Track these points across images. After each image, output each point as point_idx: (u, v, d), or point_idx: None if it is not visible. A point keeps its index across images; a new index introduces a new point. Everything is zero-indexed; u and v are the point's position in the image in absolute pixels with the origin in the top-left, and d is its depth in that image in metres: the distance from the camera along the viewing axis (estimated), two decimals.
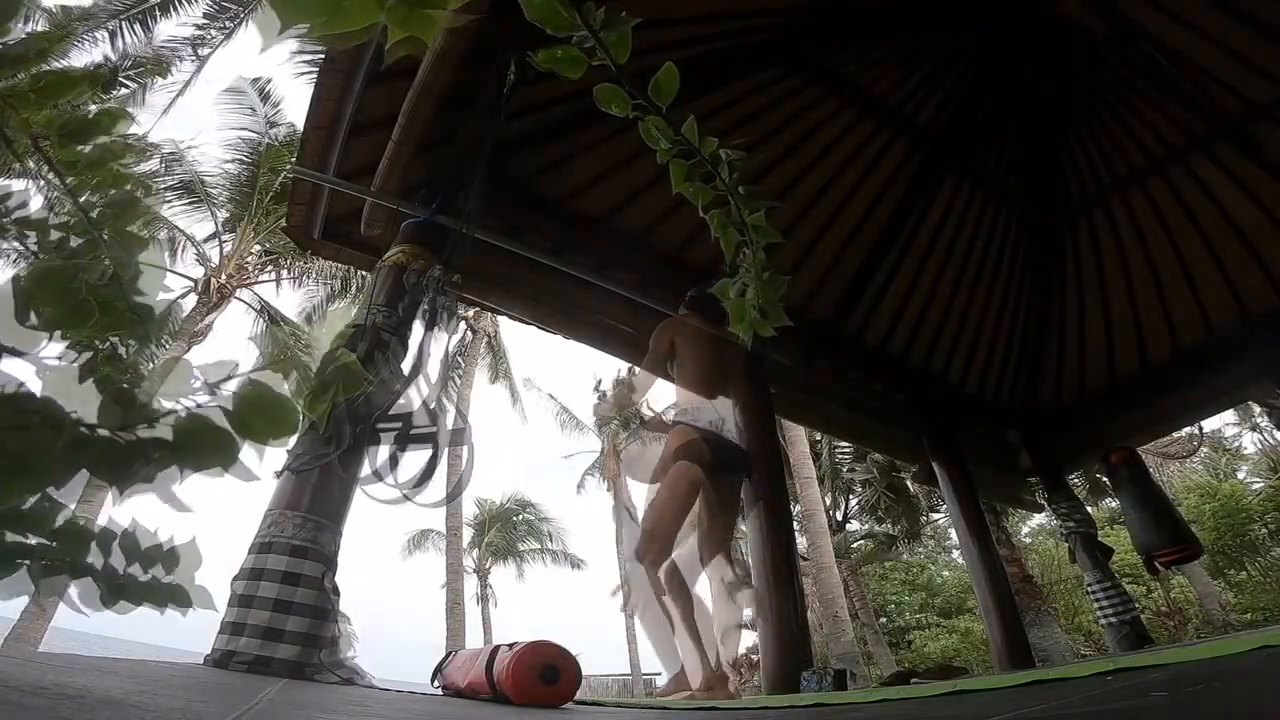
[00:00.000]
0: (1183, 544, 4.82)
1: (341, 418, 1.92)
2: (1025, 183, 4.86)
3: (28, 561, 0.48)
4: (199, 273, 11.84)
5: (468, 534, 20.68)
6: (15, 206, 0.61)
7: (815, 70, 4.02)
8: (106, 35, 9.72)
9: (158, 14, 9.85)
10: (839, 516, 15.03)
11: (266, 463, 0.52)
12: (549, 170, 3.71)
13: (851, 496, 15.12)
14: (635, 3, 0.78)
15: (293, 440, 1.92)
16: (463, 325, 16.68)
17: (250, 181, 11.51)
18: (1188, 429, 12.52)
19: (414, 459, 2.04)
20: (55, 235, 0.62)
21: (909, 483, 12.19)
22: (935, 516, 15.99)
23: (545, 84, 3.12)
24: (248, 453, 0.50)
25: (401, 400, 2.10)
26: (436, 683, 1.93)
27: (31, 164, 0.61)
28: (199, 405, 0.48)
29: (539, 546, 24.17)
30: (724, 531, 2.60)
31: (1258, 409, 12.10)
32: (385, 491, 1.98)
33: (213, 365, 0.49)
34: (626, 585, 2.85)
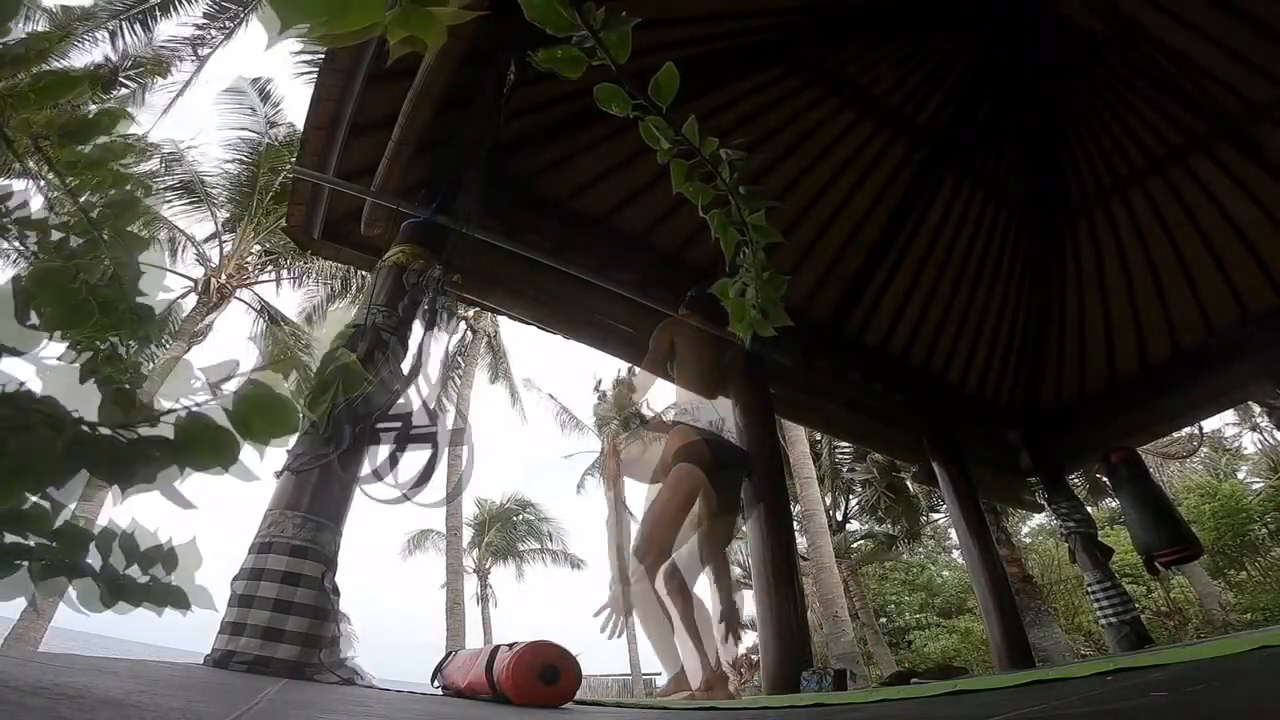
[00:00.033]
0: (1183, 544, 4.82)
1: (341, 418, 1.92)
2: (1025, 183, 4.86)
3: (27, 562, 0.48)
4: (199, 273, 11.85)
5: (468, 534, 20.69)
6: (15, 207, 0.61)
7: (815, 70, 4.02)
8: (107, 35, 9.72)
9: (158, 14, 9.85)
10: (839, 516, 15.03)
11: (266, 462, 0.52)
12: (549, 170, 3.71)
13: (851, 496, 15.11)
14: (635, 3, 0.78)
15: (293, 440, 1.92)
16: (463, 325, 16.67)
17: (250, 181, 11.51)
18: (1188, 429, 12.53)
19: (413, 459, 2.05)
20: (56, 235, 0.62)
21: (909, 483, 12.18)
22: (935, 516, 15.98)
23: (545, 84, 3.12)
24: (248, 453, 0.50)
25: (401, 400, 2.10)
26: (436, 683, 1.93)
27: (32, 164, 0.61)
28: (199, 405, 0.48)
29: (539, 546, 24.17)
30: (724, 533, 2.60)
31: (1258, 409, 12.09)
32: (385, 491, 1.98)
33: (214, 366, 0.49)
34: (613, 597, 2.80)
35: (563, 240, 3.70)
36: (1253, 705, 0.71)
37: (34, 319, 0.55)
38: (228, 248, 11.88)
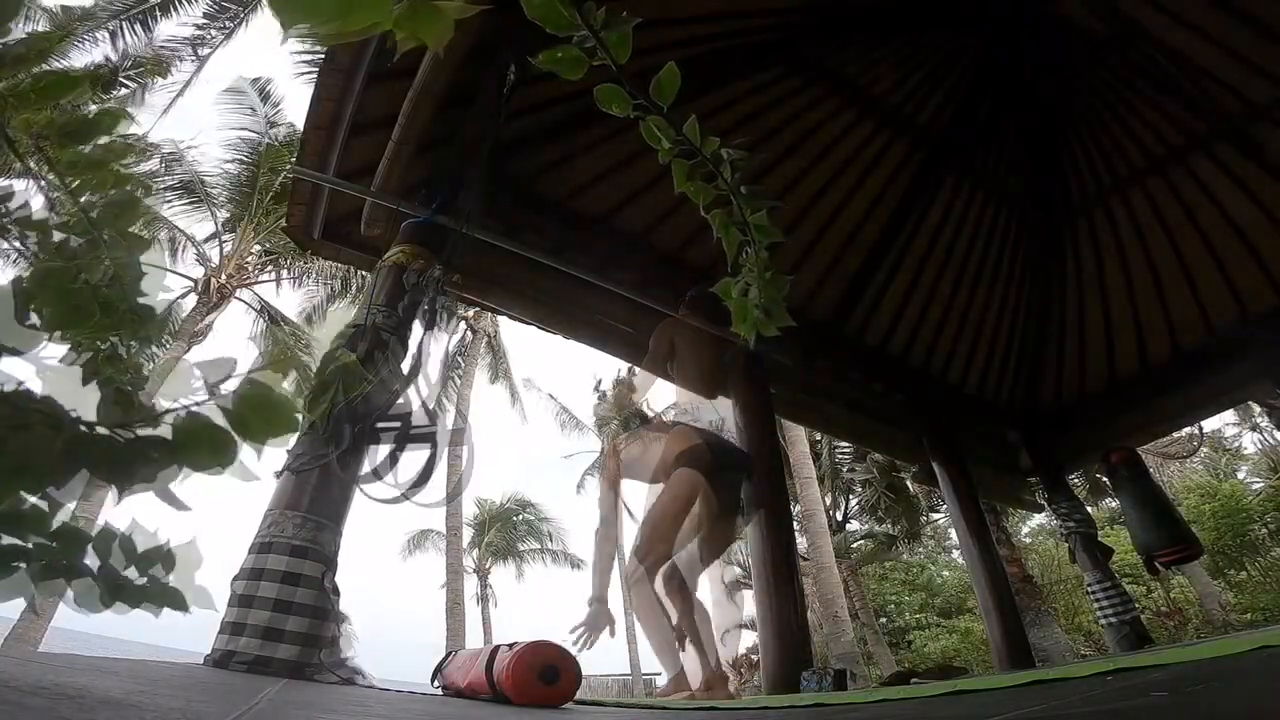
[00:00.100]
0: (1183, 544, 4.82)
1: (341, 418, 1.92)
2: (1025, 183, 4.86)
3: (24, 564, 0.48)
4: (199, 273, 11.84)
5: (468, 534, 20.68)
6: (16, 207, 0.61)
7: (815, 70, 4.02)
8: (107, 35, 9.72)
9: (158, 14, 9.84)
10: (839, 516, 15.03)
11: (266, 462, 0.52)
12: (549, 170, 3.71)
13: (851, 496, 15.11)
14: (636, 2, 0.78)
15: (292, 440, 1.92)
16: (463, 325, 16.67)
17: (250, 181, 11.51)
18: (1188, 429, 12.52)
19: (413, 459, 2.05)
20: (57, 236, 0.62)
21: (909, 483, 12.18)
22: (935, 516, 15.98)
23: (545, 84, 3.12)
24: (247, 453, 0.50)
25: (401, 400, 2.10)
26: (436, 683, 1.93)
27: (32, 164, 0.61)
28: (198, 404, 0.48)
29: (539, 546, 24.18)
30: (725, 534, 2.60)
31: (1258, 409, 12.09)
32: (385, 491, 1.98)
33: (212, 363, 0.49)
34: (590, 615, 2.77)
35: (563, 240, 3.70)
36: (1253, 705, 0.71)
37: (34, 319, 0.55)
38: (228, 248, 11.88)
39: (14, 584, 0.49)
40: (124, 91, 10.14)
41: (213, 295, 11.40)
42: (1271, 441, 17.12)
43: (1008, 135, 4.62)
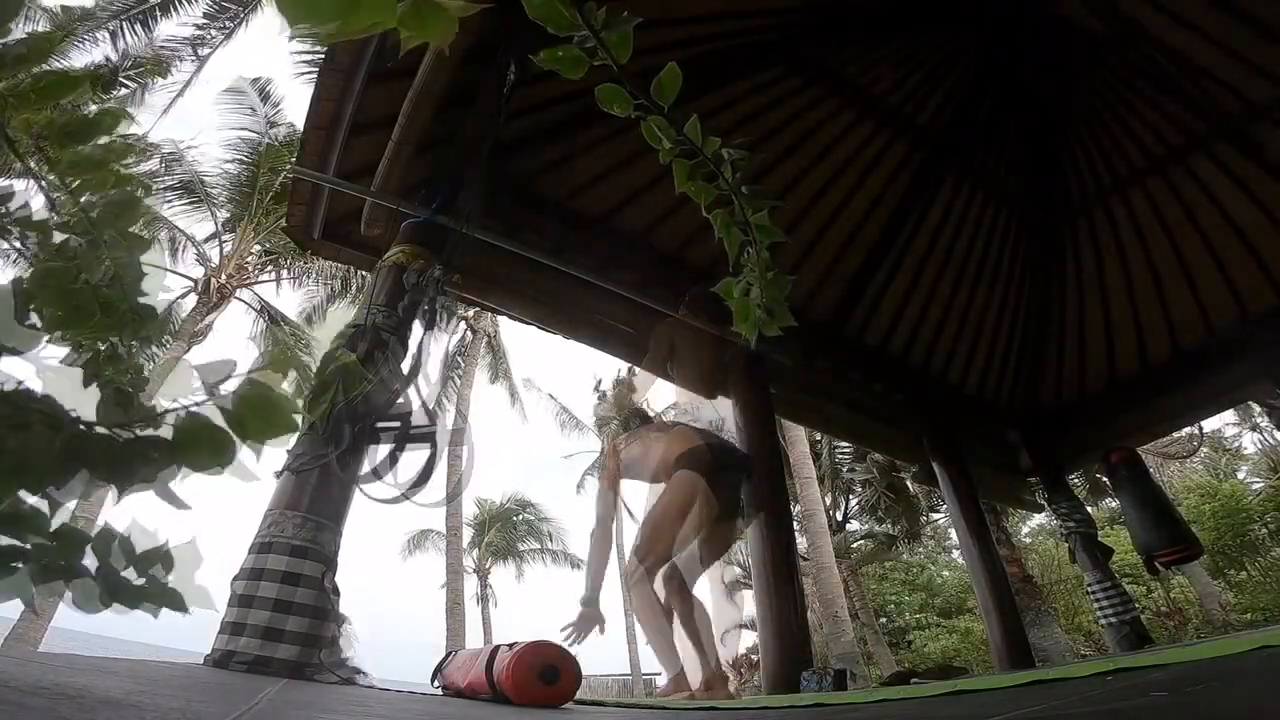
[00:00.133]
0: (1183, 544, 4.82)
1: (341, 418, 1.92)
2: (1025, 183, 4.86)
3: (21, 565, 0.48)
4: (199, 273, 11.84)
5: (468, 534, 20.68)
6: (17, 208, 0.61)
7: (815, 70, 4.02)
8: (107, 35, 9.72)
9: (158, 14, 9.84)
10: (839, 516, 15.03)
11: (265, 462, 0.52)
12: (549, 170, 3.71)
13: (851, 496, 15.11)
14: (636, 2, 0.78)
15: (292, 440, 1.92)
16: (463, 325, 16.67)
17: (250, 181, 11.50)
18: (1188, 429, 12.52)
19: (412, 459, 2.05)
20: (57, 237, 0.62)
21: (909, 483, 12.18)
22: (935, 516, 15.98)
23: (545, 84, 3.12)
24: (246, 453, 0.50)
25: (401, 400, 2.10)
26: (436, 683, 1.93)
27: (33, 164, 0.61)
28: (198, 405, 0.48)
29: (539, 546, 24.17)
30: (725, 536, 2.60)
31: (1258, 409, 12.09)
32: (385, 491, 1.98)
33: (212, 365, 0.49)
34: (581, 617, 2.77)
35: (563, 240, 3.70)
36: (1253, 705, 0.71)
37: (34, 319, 0.55)
38: (228, 248, 11.88)
39: (13, 584, 0.49)
40: (124, 91, 10.14)
41: (213, 295, 11.40)
42: (1271, 441, 17.12)
43: (1008, 135, 4.62)
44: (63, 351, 0.59)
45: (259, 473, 0.53)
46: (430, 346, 2.24)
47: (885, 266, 4.85)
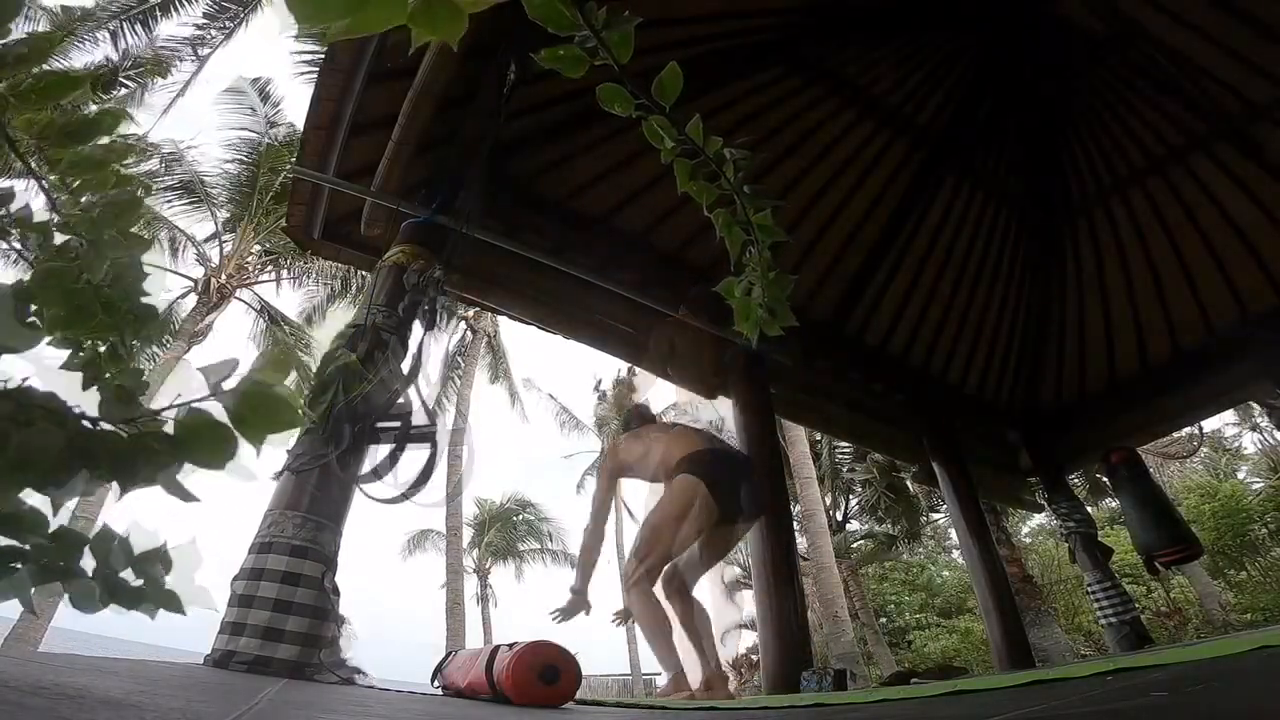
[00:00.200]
0: (1183, 544, 4.82)
1: (341, 418, 1.92)
2: (1025, 183, 4.86)
3: (20, 565, 0.48)
4: (199, 273, 11.83)
5: (468, 534, 20.66)
6: (18, 209, 0.61)
7: (815, 70, 4.02)
8: (108, 35, 9.71)
9: (158, 14, 9.84)
10: (839, 516, 15.02)
11: (265, 462, 0.52)
12: (549, 170, 3.71)
13: (851, 496, 15.10)
14: (636, 2, 0.78)
15: (292, 440, 1.92)
16: (462, 325, 16.67)
17: (250, 181, 11.49)
18: (1188, 429, 12.52)
19: (412, 459, 2.05)
20: (59, 237, 0.62)
21: (909, 483, 12.17)
22: (935, 516, 15.97)
23: (545, 83, 3.12)
24: (245, 453, 0.50)
25: (401, 400, 2.10)
26: (436, 683, 1.93)
27: (33, 164, 0.61)
28: (200, 401, 0.48)
29: (539, 546, 24.15)
30: (725, 539, 2.59)
31: (1258, 409, 12.08)
32: (385, 491, 1.98)
33: (214, 365, 0.49)
34: (570, 603, 2.87)
35: (563, 240, 3.70)
36: (1253, 705, 0.71)
37: (34, 319, 0.55)
38: (228, 248, 11.87)
39: (12, 585, 0.49)
40: (124, 91, 10.13)
41: (213, 295, 11.39)
42: (1271, 441, 17.12)
43: (1008, 135, 4.62)
44: (62, 355, 0.59)
45: (258, 472, 0.53)
46: (430, 346, 2.25)
47: (885, 266, 4.85)
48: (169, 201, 11.55)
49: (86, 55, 9.66)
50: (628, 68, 0.57)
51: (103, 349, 0.61)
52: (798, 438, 10.92)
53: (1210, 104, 4.04)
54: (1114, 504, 12.93)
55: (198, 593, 0.57)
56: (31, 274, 0.56)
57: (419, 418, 2.06)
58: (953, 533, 12.55)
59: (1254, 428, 18.85)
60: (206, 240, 12.24)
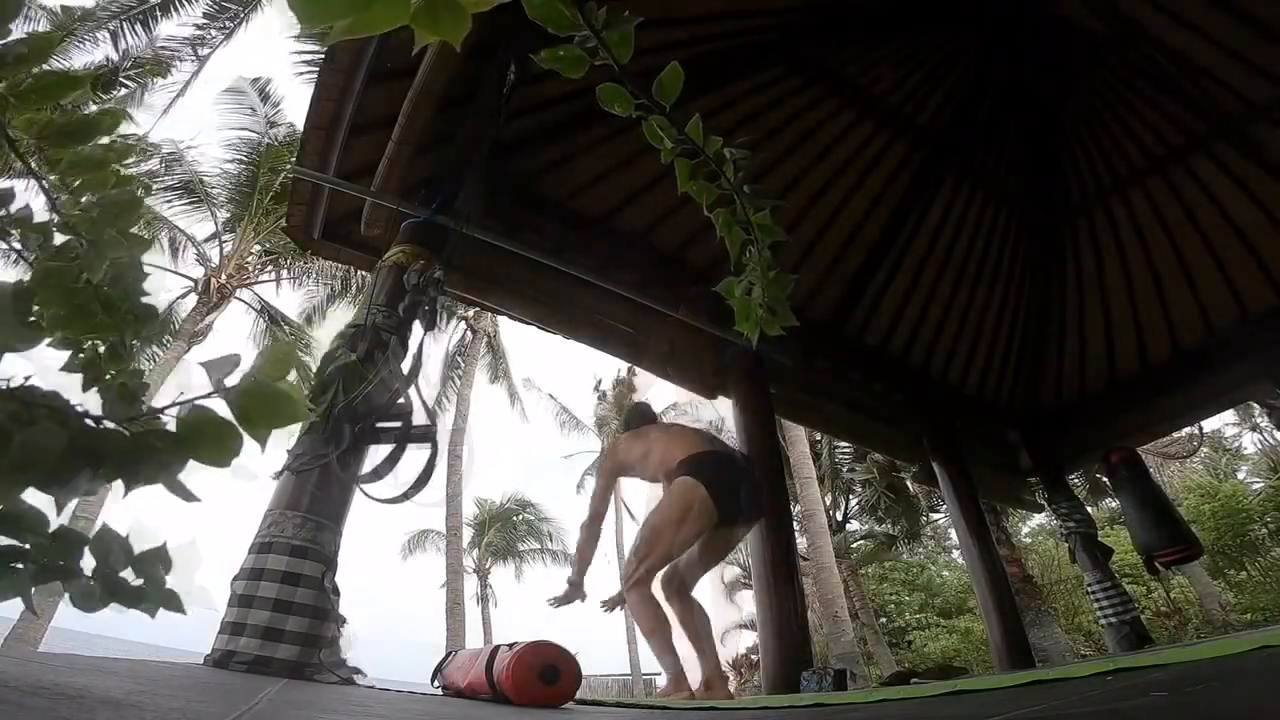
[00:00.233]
0: (1183, 544, 4.82)
1: (341, 418, 1.92)
2: (1025, 183, 4.86)
3: (20, 564, 0.48)
4: (199, 273, 11.83)
5: (468, 534, 20.65)
6: (19, 209, 0.61)
7: (815, 70, 4.02)
8: (108, 35, 9.71)
9: (158, 14, 9.83)
10: (839, 516, 15.02)
11: (267, 461, 0.52)
12: (549, 170, 3.71)
13: (851, 496, 15.11)
14: (637, 2, 0.78)
15: (292, 440, 1.92)
16: (462, 325, 16.67)
17: (250, 181, 11.49)
18: (1188, 429, 12.52)
19: (411, 458, 2.05)
20: (59, 238, 0.62)
21: (909, 483, 12.18)
22: (935, 516, 15.97)
23: (545, 83, 3.12)
24: (245, 453, 0.50)
25: (401, 400, 2.10)
26: (436, 683, 1.93)
27: (33, 164, 0.61)
28: (202, 398, 0.48)
29: (539, 546, 24.14)
30: (725, 541, 2.59)
31: (1258, 409, 12.08)
32: (385, 491, 1.98)
33: (217, 361, 0.49)
34: (566, 591, 2.91)
35: (563, 240, 3.70)
36: (1253, 705, 0.71)
37: (35, 319, 0.55)
38: (228, 248, 11.87)
39: (12, 584, 0.49)
40: (124, 91, 10.12)
41: (213, 295, 11.39)
42: (1271, 441, 17.12)
43: (1008, 135, 4.62)
44: (61, 358, 0.59)
45: (259, 471, 0.53)
46: (430, 346, 2.25)
47: (885, 266, 4.86)
48: (169, 201, 11.55)
49: (86, 55, 9.66)
50: (628, 68, 0.57)
51: (103, 349, 0.61)
52: (798, 438, 10.92)
53: (1210, 104, 4.04)
54: (1114, 504, 12.93)
55: (198, 592, 0.57)
56: (31, 274, 0.56)
57: (419, 418, 2.06)
58: (953, 533, 12.55)
59: (1254, 428, 18.86)
60: (206, 240, 12.24)
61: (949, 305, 5.16)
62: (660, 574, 2.47)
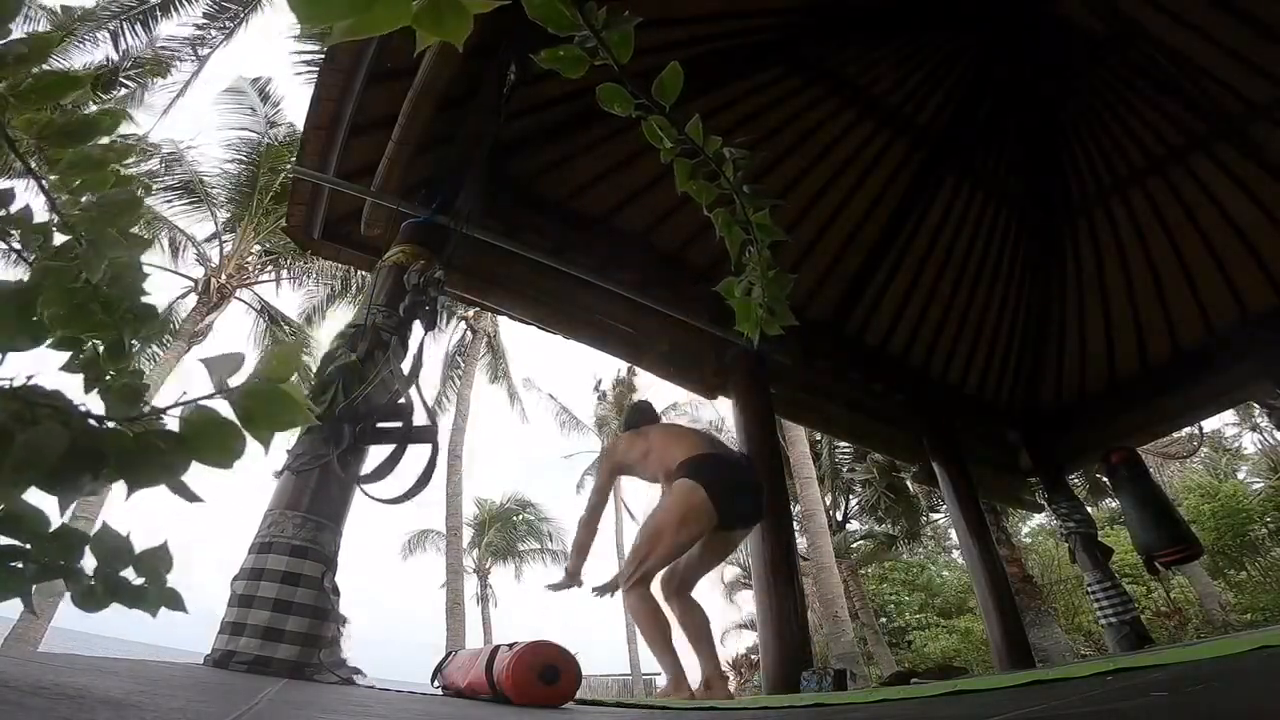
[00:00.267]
0: (1183, 544, 4.82)
1: (341, 418, 1.92)
2: (1025, 183, 4.86)
3: (21, 564, 0.48)
4: (199, 273, 11.83)
5: (468, 534, 20.66)
6: (19, 210, 0.61)
7: (815, 70, 4.02)
8: (108, 35, 9.71)
9: (158, 14, 9.83)
10: (839, 516, 15.03)
11: (269, 461, 0.52)
12: (549, 170, 3.71)
13: (851, 496, 15.11)
14: (636, 2, 0.78)
15: (292, 440, 1.92)
16: (463, 325, 16.67)
17: (250, 181, 11.49)
18: (1188, 429, 12.53)
19: (411, 458, 2.04)
20: (59, 238, 0.62)
21: (909, 483, 12.18)
22: (935, 516, 15.98)
23: (546, 84, 3.12)
24: (248, 454, 0.50)
25: (401, 400, 2.10)
26: (436, 683, 1.93)
27: (34, 164, 0.61)
28: (205, 398, 0.48)
29: (539, 546, 24.14)
30: (725, 542, 2.59)
31: (1258, 409, 12.09)
32: (385, 491, 1.98)
33: (219, 358, 0.49)
34: (564, 579, 3.02)
35: (563, 240, 3.70)
36: (1253, 705, 0.71)
37: (38, 319, 0.55)
38: (228, 248, 11.87)
39: (12, 585, 0.49)
40: (124, 91, 10.12)
41: (213, 295, 11.39)
42: (1271, 441, 17.12)
43: (1008, 135, 4.62)
44: (60, 359, 0.59)
45: (258, 471, 0.53)
46: (430, 347, 2.25)
47: (885, 266, 4.86)
48: (169, 201, 11.55)
49: (86, 55, 9.66)
50: (628, 68, 0.57)
51: (103, 349, 0.61)
52: (798, 438, 10.92)
53: (1210, 104, 4.04)
54: (1114, 504, 12.93)
55: (168, 594, 0.57)
56: (31, 274, 0.56)
57: (420, 418, 2.06)
58: (953, 533, 12.55)
59: (1254, 428, 18.87)
60: (206, 240, 12.24)
61: (949, 305, 5.16)
62: (660, 575, 2.47)
